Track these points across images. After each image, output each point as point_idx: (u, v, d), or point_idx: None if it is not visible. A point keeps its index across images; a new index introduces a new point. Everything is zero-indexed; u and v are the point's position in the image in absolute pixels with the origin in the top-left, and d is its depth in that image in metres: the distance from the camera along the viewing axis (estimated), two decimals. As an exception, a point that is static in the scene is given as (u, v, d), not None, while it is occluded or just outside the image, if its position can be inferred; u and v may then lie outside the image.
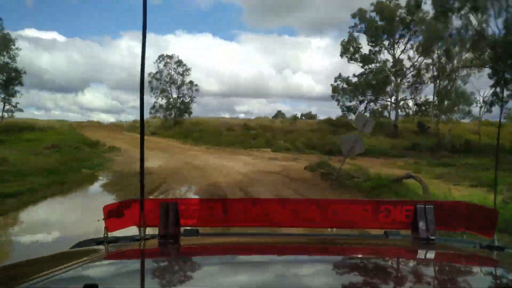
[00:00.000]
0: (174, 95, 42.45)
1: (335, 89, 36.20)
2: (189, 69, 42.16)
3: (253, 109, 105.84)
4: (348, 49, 34.95)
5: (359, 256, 1.20)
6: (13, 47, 31.12)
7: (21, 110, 50.20)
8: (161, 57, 41.76)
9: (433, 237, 1.27)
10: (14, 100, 34.56)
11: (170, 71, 42.06)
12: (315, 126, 37.00)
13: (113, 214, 1.38)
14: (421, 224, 1.29)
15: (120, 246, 1.35)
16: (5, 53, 30.77)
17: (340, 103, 36.23)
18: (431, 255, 1.23)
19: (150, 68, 40.00)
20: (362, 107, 36.07)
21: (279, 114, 58.51)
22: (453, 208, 1.40)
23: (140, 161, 1.42)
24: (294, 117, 45.27)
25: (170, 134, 36.78)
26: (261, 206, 1.44)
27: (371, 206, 1.40)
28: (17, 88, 33.94)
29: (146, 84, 42.62)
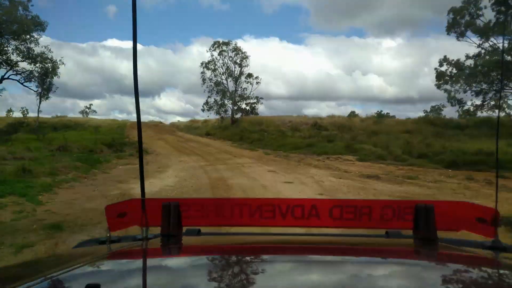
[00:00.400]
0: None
1: (441, 75, 26.55)
2: (247, 57, 35.28)
3: (322, 112, 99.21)
4: (458, 22, 25.22)
5: (360, 255, 1.19)
6: (34, 31, 26.29)
7: (94, 112, 50.96)
8: (216, 44, 35.43)
9: (434, 237, 1.26)
10: (52, 96, 30.85)
11: (225, 60, 35.53)
12: (409, 126, 27.94)
13: (115, 214, 1.37)
14: (422, 224, 1.27)
15: (122, 246, 1.34)
16: (27, 37, 26.01)
17: (452, 93, 26.29)
18: (432, 255, 1.22)
19: (203, 57, 34.75)
20: (479, 99, 26.01)
21: (352, 114, 50.73)
22: (454, 208, 1.38)
23: (139, 160, 1.45)
24: (379, 114, 35.40)
25: (226, 134, 30.68)
26: (263, 205, 1.40)
27: (372, 206, 1.39)
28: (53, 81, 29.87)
29: (197, 76, 31.18)
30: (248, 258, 1.14)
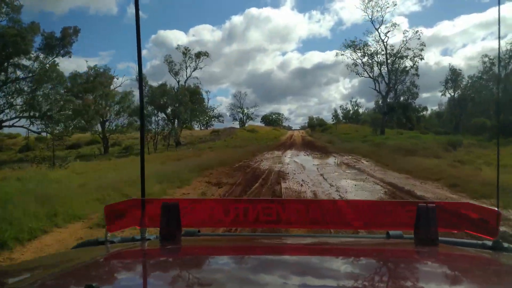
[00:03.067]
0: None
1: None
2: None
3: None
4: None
5: (361, 257, 1.19)
6: None
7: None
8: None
9: (435, 238, 1.25)
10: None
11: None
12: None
13: (114, 215, 1.38)
14: (424, 225, 1.26)
15: (121, 247, 1.33)
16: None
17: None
18: (433, 255, 1.21)
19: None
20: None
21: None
22: (455, 209, 1.37)
23: (140, 161, 1.48)
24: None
25: None
26: (262, 207, 1.39)
27: (373, 207, 1.41)
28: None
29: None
30: (247, 259, 1.15)
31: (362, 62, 37.29)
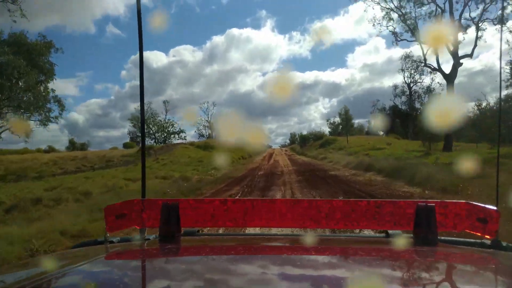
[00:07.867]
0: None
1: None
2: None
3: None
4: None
5: (360, 256, 1.18)
6: None
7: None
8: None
9: (434, 237, 1.26)
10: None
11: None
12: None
13: (114, 215, 1.38)
14: (423, 224, 1.27)
15: (120, 247, 1.35)
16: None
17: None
18: (432, 255, 1.20)
19: None
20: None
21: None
22: (455, 208, 1.34)
23: (141, 162, 1.55)
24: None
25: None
26: (262, 206, 1.40)
27: (372, 206, 1.38)
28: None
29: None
30: (246, 258, 1.15)
31: (403, 13, 20.74)
